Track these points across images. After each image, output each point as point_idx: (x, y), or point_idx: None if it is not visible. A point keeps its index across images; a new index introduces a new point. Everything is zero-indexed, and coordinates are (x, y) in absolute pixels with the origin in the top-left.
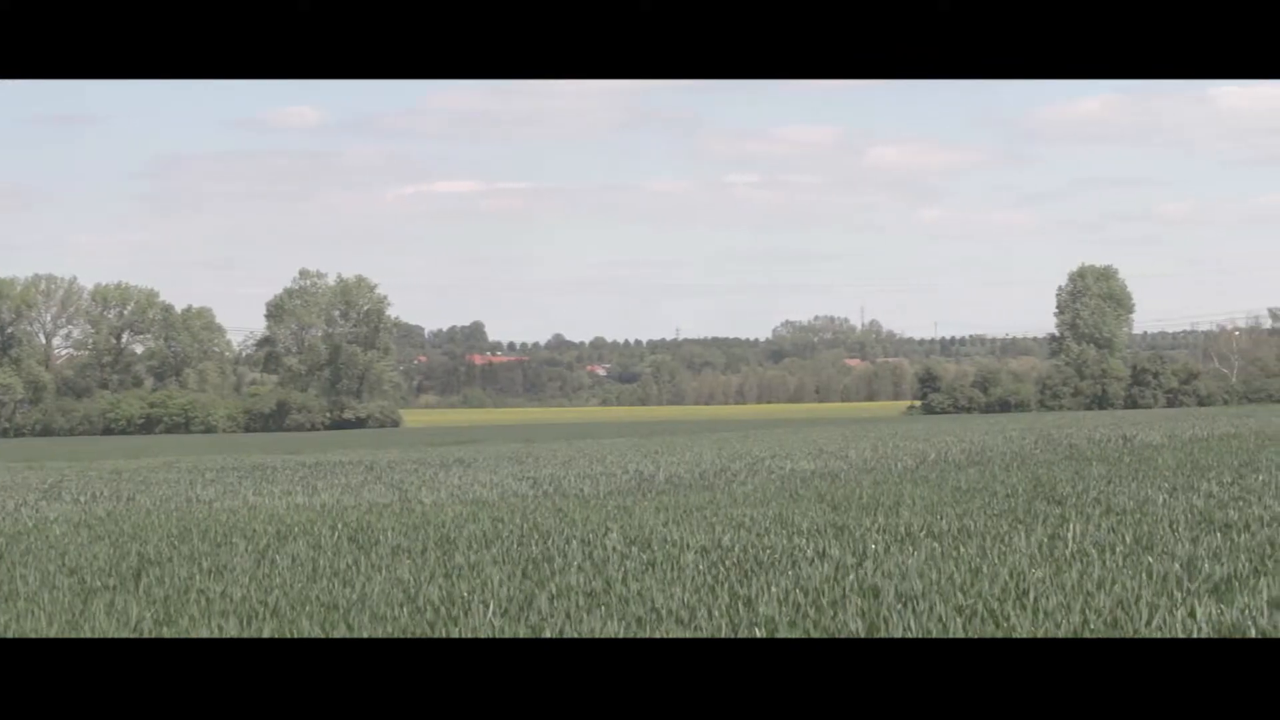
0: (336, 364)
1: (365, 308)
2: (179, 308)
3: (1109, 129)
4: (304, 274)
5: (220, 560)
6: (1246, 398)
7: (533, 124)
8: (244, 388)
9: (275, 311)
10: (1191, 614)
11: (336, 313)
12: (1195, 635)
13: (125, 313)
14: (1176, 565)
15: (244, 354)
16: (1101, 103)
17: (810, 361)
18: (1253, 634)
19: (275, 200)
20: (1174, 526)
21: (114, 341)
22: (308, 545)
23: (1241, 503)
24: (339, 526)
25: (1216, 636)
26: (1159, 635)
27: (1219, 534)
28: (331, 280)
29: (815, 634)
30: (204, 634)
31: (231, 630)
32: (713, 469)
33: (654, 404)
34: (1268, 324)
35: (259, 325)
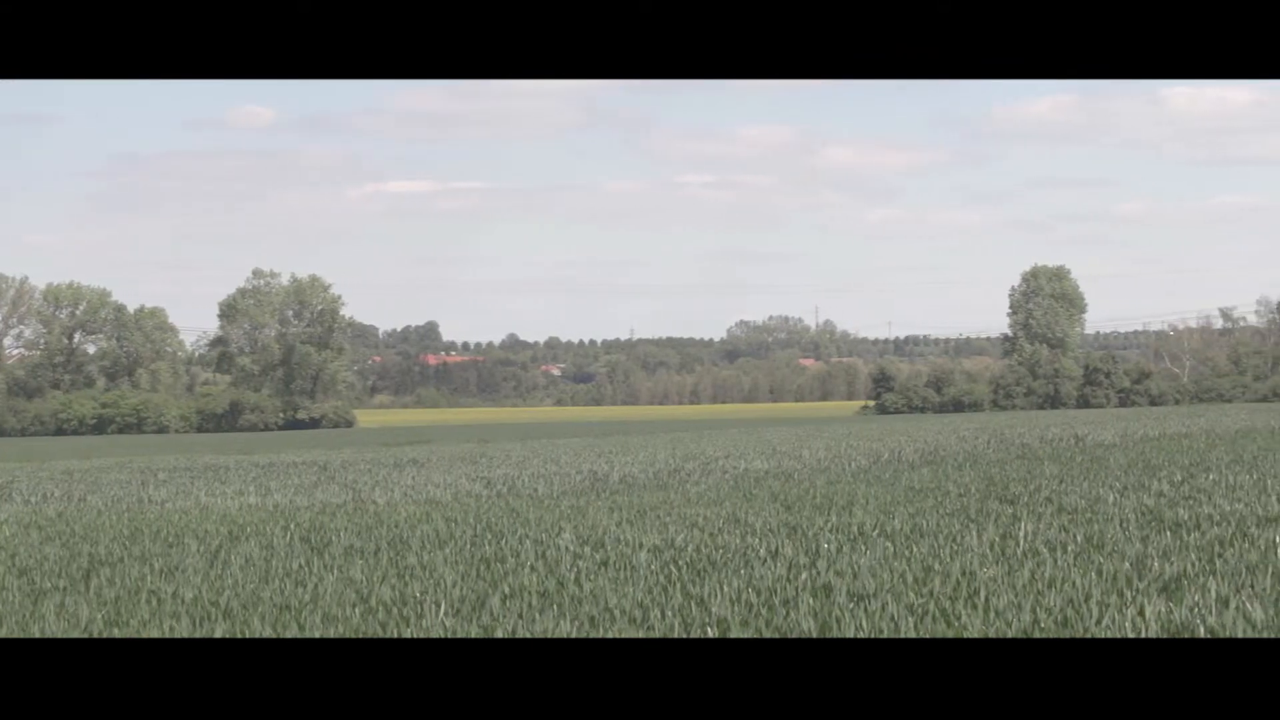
0: (290, 364)
1: (319, 307)
2: (131, 307)
3: (1061, 130)
4: (257, 274)
5: (172, 561)
6: (1197, 397)
7: (488, 124)
8: (197, 388)
9: (228, 311)
10: (1141, 613)
11: (290, 312)
12: (1144, 634)
13: (77, 312)
14: (1126, 564)
15: (197, 354)
16: (1053, 104)
17: (764, 361)
18: (1201, 633)
19: (229, 200)
20: (1124, 526)
21: (66, 341)
22: (260, 546)
23: (1192, 502)
24: (292, 527)
25: (1165, 636)
26: (1108, 634)
27: (1169, 533)
28: (285, 280)
29: (768, 634)
30: (154, 634)
31: (183, 631)
32: (667, 469)
33: (608, 404)
34: (1219, 324)
35: (212, 325)
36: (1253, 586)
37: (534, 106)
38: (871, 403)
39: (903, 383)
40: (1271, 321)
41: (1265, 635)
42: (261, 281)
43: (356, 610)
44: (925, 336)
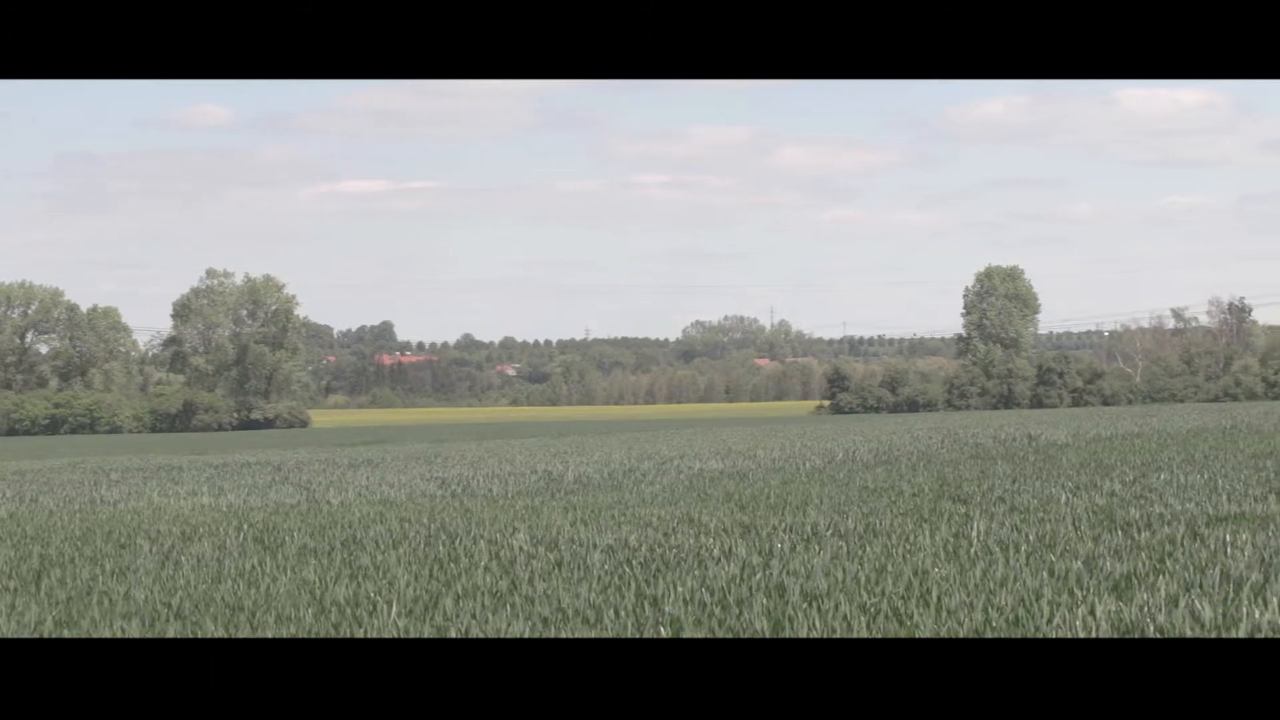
0: (244, 364)
1: (273, 307)
2: (84, 307)
3: (1014, 131)
4: (211, 273)
5: (123, 561)
6: (1150, 397)
7: (443, 124)
8: (150, 388)
9: (182, 311)
10: (1092, 612)
11: (244, 312)
12: (1095, 633)
13: (29, 312)
14: (1078, 563)
15: (150, 354)
16: (1006, 105)
17: (720, 361)
18: (1151, 632)
19: (183, 199)
20: (1076, 525)
21: (18, 341)
22: (213, 546)
23: (1143, 501)
24: (245, 527)
25: (1115, 636)
26: (1059, 633)
27: (1120, 532)
28: (239, 280)
29: (720, 633)
30: (105, 635)
31: (134, 632)
32: (621, 469)
33: (563, 404)
34: (1171, 324)
35: (165, 325)
36: (1201, 585)
37: (489, 106)
38: (826, 403)
39: (857, 383)
40: (1223, 322)
41: (1213, 634)
42: (215, 281)
43: (309, 610)
44: (880, 337)
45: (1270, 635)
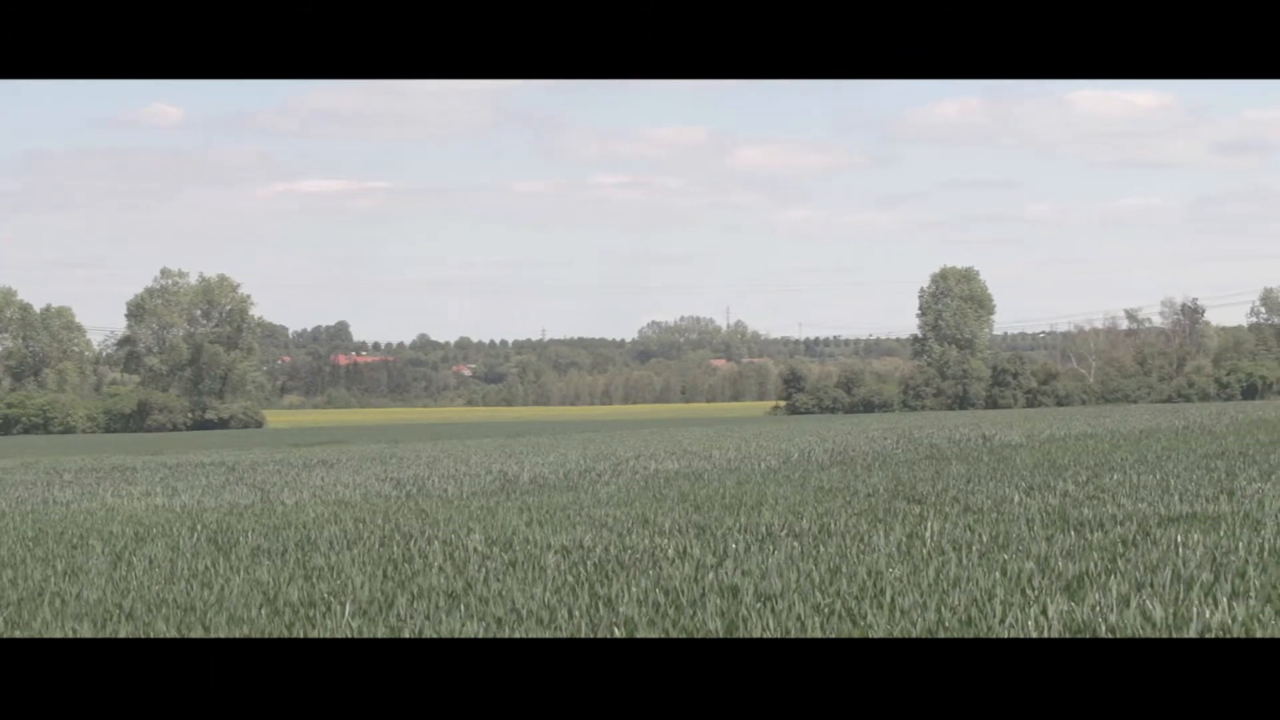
0: (198, 364)
1: (228, 307)
2: (37, 307)
3: (970, 132)
4: (166, 273)
5: (75, 562)
6: (1103, 398)
7: (399, 124)
8: (104, 388)
9: (136, 311)
10: (1044, 611)
11: (199, 312)
12: (1046, 633)
13: None
14: (1030, 563)
15: (104, 354)
16: (961, 106)
17: (676, 362)
18: (1102, 632)
19: (137, 199)
20: (1029, 525)
21: None
22: (166, 547)
23: (1096, 501)
24: (198, 528)
25: (1066, 635)
26: (1011, 632)
27: (1073, 533)
28: (194, 279)
29: (674, 633)
30: (56, 636)
31: (85, 633)
32: (577, 469)
33: (520, 404)
34: (1124, 325)
35: (119, 325)
36: (1152, 585)
37: (445, 106)
38: (782, 403)
39: (813, 383)
40: (1176, 323)
41: (1164, 634)
42: (170, 281)
43: (263, 611)
44: (835, 337)
45: (1220, 635)
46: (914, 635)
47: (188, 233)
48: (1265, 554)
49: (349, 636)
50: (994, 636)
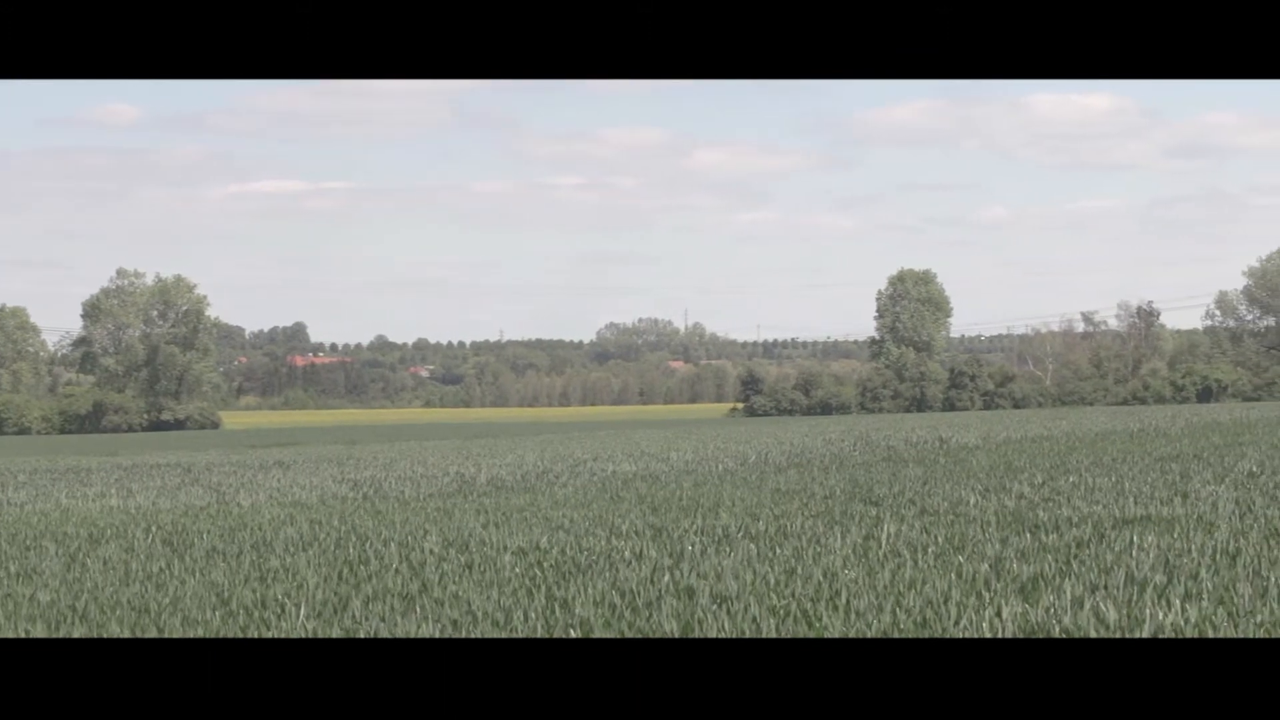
0: (154, 365)
1: (184, 308)
2: None
3: (927, 135)
4: (122, 273)
5: (29, 564)
6: (1060, 400)
7: (356, 124)
8: (59, 389)
9: (92, 311)
10: (998, 613)
11: (155, 313)
12: (1001, 634)
13: None
14: (985, 565)
15: (60, 354)
16: (918, 109)
17: (634, 364)
18: (1056, 633)
19: (93, 199)
20: (985, 527)
21: None
22: (120, 548)
23: (1051, 504)
24: (153, 529)
25: (1021, 637)
26: (966, 634)
27: (1028, 535)
28: (150, 280)
29: (630, 635)
30: (9, 636)
31: (39, 634)
32: (534, 471)
33: (477, 406)
34: (1080, 327)
35: (75, 325)
36: (1106, 587)
37: (401, 106)
38: (740, 405)
39: (771, 385)
40: (1132, 325)
41: (1117, 635)
42: (126, 281)
43: (217, 613)
44: (794, 339)
45: (1173, 636)
46: (869, 636)
47: (144, 233)
48: (1218, 556)
49: (304, 637)
50: (950, 637)
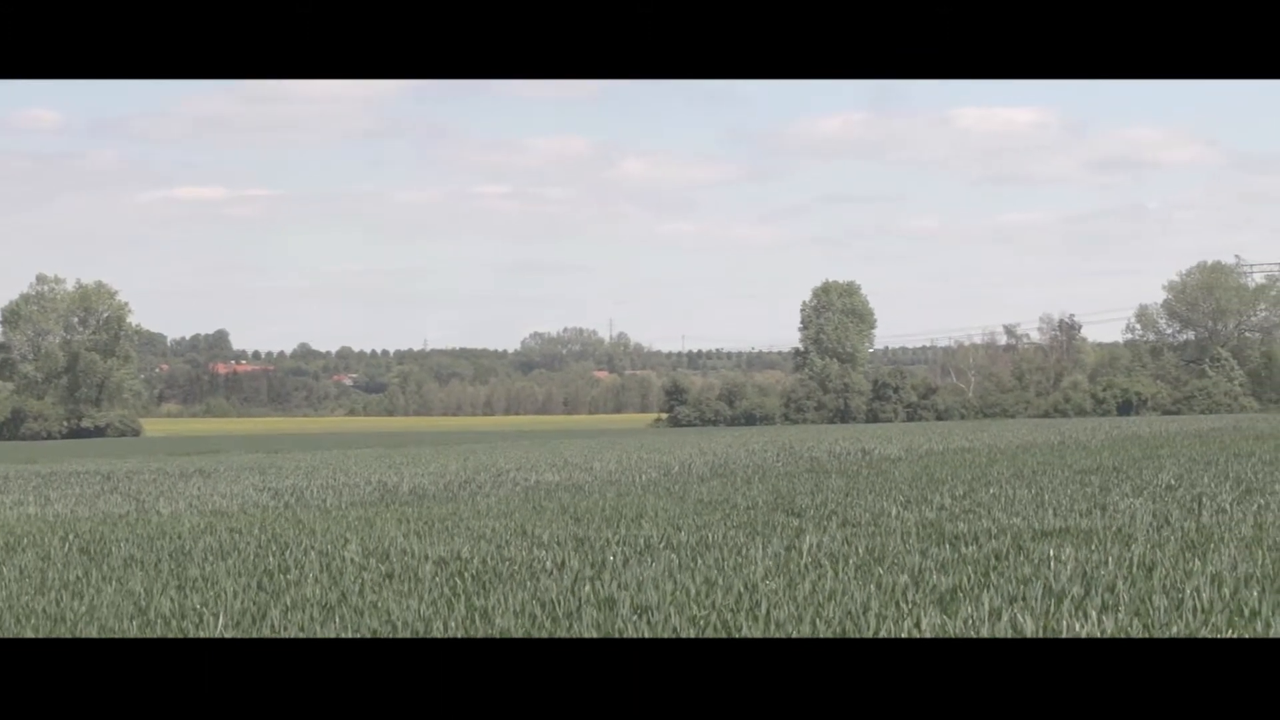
0: (75, 371)
1: (105, 314)
2: None
3: (852, 147)
4: (41, 279)
5: None
6: (982, 412)
7: (279, 130)
8: None
9: (11, 317)
10: (917, 625)
11: (75, 319)
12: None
13: None
14: (905, 577)
15: None
16: (844, 121)
17: (558, 373)
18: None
19: (12, 203)
20: (905, 539)
21: None
22: (36, 556)
23: (971, 515)
24: (71, 538)
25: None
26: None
27: (948, 546)
28: (70, 286)
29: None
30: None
31: None
32: (457, 480)
33: (401, 414)
34: (1003, 340)
35: None
36: (1024, 599)
37: (324, 112)
38: (664, 415)
39: (695, 396)
40: (1054, 338)
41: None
42: (46, 287)
43: (134, 622)
44: (718, 350)
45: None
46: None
47: (64, 239)
48: (1135, 568)
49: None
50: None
